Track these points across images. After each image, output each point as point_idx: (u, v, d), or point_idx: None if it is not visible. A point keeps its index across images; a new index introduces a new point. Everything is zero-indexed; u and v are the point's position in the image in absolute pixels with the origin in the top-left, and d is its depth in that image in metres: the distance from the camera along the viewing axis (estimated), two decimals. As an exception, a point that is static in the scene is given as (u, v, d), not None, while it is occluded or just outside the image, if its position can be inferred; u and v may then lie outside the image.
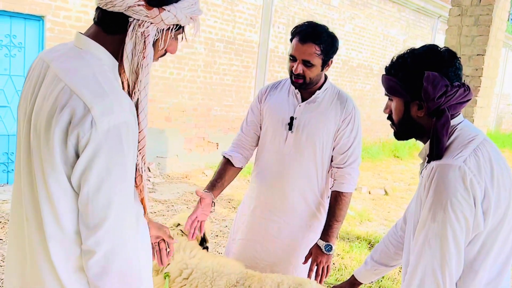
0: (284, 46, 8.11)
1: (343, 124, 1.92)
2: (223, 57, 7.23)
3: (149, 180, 6.18)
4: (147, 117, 1.04)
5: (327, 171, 1.98)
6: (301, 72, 1.82)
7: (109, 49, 1.01)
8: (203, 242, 2.00)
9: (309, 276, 1.91)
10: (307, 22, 1.85)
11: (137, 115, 1.01)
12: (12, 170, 5.30)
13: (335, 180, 1.95)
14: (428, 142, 1.31)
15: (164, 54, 1.12)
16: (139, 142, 1.03)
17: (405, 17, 11.06)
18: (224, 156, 2.07)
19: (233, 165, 2.04)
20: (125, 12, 0.97)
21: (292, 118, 1.93)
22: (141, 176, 1.07)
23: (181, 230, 2.02)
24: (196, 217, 1.83)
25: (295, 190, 1.96)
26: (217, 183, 1.97)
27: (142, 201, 1.14)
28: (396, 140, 1.42)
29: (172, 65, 6.54)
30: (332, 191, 1.96)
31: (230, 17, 7.18)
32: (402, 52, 1.31)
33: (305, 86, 1.88)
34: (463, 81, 1.26)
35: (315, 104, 1.93)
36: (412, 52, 1.28)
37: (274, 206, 2.00)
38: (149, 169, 6.54)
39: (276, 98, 2.01)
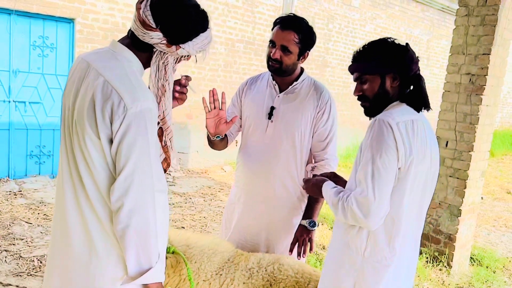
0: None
1: (320, 113, 2.04)
2: (243, 57, 7.46)
3: (169, 174, 6.47)
4: (171, 120, 1.40)
5: (305, 160, 2.10)
6: (279, 57, 1.93)
7: (137, 56, 1.32)
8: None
9: (291, 250, 2.03)
10: (290, 13, 1.98)
11: (164, 118, 1.37)
12: (44, 162, 5.70)
13: (315, 167, 2.08)
14: None
15: None
16: (166, 129, 1.39)
17: (429, 17, 10.96)
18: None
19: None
20: (151, 44, 1.28)
21: (272, 108, 2.05)
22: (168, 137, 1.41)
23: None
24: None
25: (276, 177, 2.08)
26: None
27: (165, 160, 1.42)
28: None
29: (193, 65, 6.81)
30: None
31: (250, 18, 7.40)
32: (367, 43, 1.59)
33: (280, 72, 1.99)
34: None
35: (293, 95, 2.05)
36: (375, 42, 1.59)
37: (258, 193, 2.13)
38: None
39: (256, 90, 2.14)
